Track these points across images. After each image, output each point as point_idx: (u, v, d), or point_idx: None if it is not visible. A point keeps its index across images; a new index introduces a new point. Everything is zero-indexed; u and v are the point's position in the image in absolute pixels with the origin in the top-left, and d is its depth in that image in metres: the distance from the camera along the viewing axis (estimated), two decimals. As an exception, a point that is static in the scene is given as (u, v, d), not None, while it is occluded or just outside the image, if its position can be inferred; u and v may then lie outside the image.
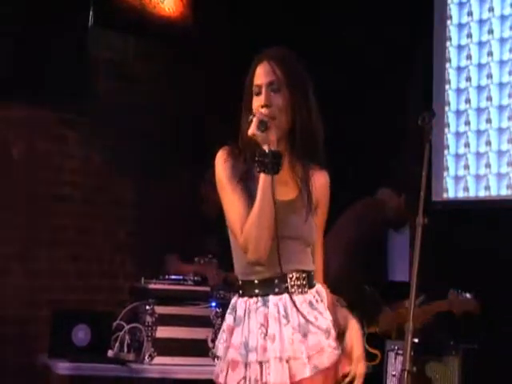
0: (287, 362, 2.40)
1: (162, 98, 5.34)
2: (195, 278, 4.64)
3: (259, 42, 5.49)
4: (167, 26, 5.48)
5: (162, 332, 4.39)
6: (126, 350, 4.40)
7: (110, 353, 4.38)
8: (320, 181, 2.54)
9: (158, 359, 4.34)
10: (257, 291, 2.45)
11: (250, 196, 2.44)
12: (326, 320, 2.47)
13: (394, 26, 5.14)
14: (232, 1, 5.62)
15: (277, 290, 2.45)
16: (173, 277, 4.73)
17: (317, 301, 2.49)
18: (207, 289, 4.50)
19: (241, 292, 2.50)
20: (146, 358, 4.34)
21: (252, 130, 2.37)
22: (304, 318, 2.43)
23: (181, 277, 4.72)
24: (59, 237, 4.94)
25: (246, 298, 2.48)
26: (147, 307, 4.41)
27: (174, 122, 5.33)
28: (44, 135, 5.03)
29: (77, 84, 5.08)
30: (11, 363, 4.58)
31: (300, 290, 2.47)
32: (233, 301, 2.53)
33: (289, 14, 5.51)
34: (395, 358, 4.16)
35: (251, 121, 2.39)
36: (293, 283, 2.45)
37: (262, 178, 2.37)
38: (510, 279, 4.51)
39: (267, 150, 2.35)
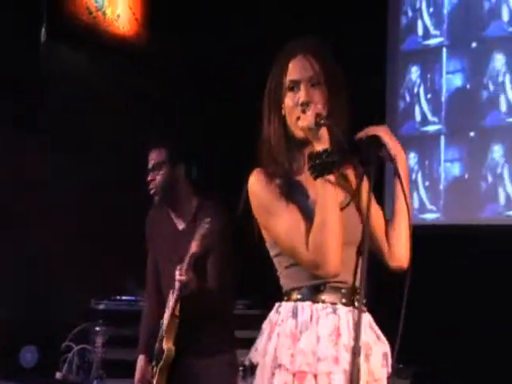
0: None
1: (115, 113, 5.29)
2: (147, 299, 4.60)
3: (216, 60, 5.58)
4: (121, 44, 5.46)
5: (112, 354, 4.35)
6: (74, 371, 4.34)
7: (59, 375, 4.33)
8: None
9: (107, 381, 4.30)
10: (323, 297, 2.19)
11: (301, 211, 2.19)
12: (384, 345, 2.24)
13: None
14: (187, 21, 5.63)
15: (344, 300, 2.20)
16: (124, 298, 4.68)
17: (373, 321, 2.27)
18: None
19: (299, 296, 2.20)
20: (95, 380, 4.29)
21: (308, 122, 2.13)
22: (372, 336, 2.21)
23: (132, 297, 4.67)
24: (6, 255, 4.83)
25: (309, 303, 2.19)
26: (97, 328, 4.37)
27: (127, 137, 5.28)
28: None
29: (29, 98, 5.02)
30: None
31: (363, 308, 2.21)
32: (288, 305, 2.22)
33: (244, 38, 5.56)
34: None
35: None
36: (359, 297, 2.17)
37: (321, 184, 2.14)
38: (463, 303, 4.57)
39: (321, 149, 2.13)
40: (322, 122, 2.13)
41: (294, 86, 2.22)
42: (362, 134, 2.22)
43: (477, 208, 4.82)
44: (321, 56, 2.24)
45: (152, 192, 3.85)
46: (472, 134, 4.90)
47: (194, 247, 3.71)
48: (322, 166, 2.14)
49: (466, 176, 4.92)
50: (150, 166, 3.88)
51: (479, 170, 4.84)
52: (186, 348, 3.78)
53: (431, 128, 5.11)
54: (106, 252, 4.99)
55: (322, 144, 2.14)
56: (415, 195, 5.03)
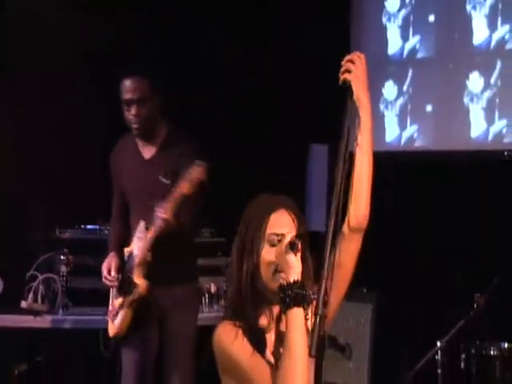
0: None
1: (77, 51, 5.18)
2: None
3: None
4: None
5: (77, 282, 4.36)
6: (40, 300, 4.35)
7: (24, 303, 4.32)
8: None
9: (72, 310, 4.31)
10: None
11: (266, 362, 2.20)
12: None
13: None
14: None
15: None
16: (88, 226, 4.67)
17: None
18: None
19: None
20: (61, 308, 4.31)
21: (284, 250, 2.17)
22: None
23: (97, 226, 4.67)
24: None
25: None
26: (62, 257, 4.37)
27: (90, 73, 5.18)
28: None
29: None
30: None
31: None
32: None
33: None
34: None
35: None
36: None
37: (291, 315, 2.13)
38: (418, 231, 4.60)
39: (292, 280, 2.13)
40: (295, 250, 2.15)
41: (278, 239, 2.21)
42: (341, 77, 2.20)
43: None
44: (298, 213, 2.26)
45: (136, 127, 3.76)
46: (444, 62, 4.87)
47: (183, 188, 3.68)
48: (294, 298, 2.13)
49: (438, 105, 4.89)
50: (130, 97, 3.71)
51: (452, 99, 4.80)
52: (154, 280, 3.82)
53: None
54: (70, 181, 4.96)
55: (294, 274, 2.14)
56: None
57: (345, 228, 2.26)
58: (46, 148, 5.03)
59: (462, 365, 3.83)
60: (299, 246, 2.19)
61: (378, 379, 4.20)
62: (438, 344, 3.81)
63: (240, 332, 2.18)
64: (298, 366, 2.11)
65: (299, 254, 2.19)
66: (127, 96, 3.73)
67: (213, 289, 4.51)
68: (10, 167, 4.90)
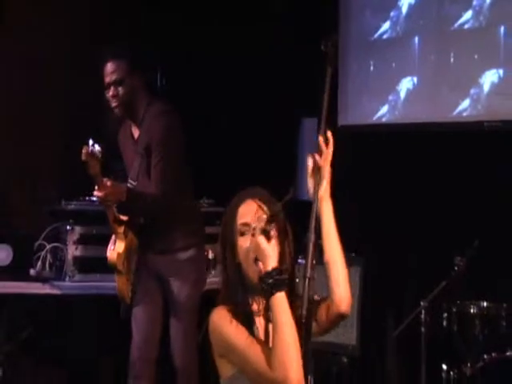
0: None
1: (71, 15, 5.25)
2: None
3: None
4: None
5: (83, 250, 4.54)
6: (47, 268, 4.55)
7: (32, 271, 4.53)
8: None
9: (78, 276, 4.51)
10: None
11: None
12: None
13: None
14: None
15: None
16: (93, 198, 4.84)
17: None
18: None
19: None
20: (67, 275, 4.49)
21: (257, 239, 2.32)
22: None
23: (100, 198, 4.83)
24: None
25: None
26: (68, 227, 4.55)
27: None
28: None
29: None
30: None
31: None
32: None
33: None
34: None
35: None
36: None
37: (274, 300, 2.28)
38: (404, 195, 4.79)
39: (270, 268, 2.28)
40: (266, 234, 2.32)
41: (245, 230, 2.37)
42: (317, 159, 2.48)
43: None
44: (268, 200, 2.42)
45: (114, 106, 3.96)
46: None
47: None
48: (274, 284, 2.27)
49: (417, 81, 4.97)
50: (109, 79, 3.91)
51: (430, 74, 4.88)
52: (148, 247, 4.02)
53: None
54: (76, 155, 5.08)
55: (271, 262, 2.29)
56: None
57: (324, 314, 2.44)
58: (54, 122, 5.16)
59: (444, 323, 4.05)
60: (271, 232, 2.36)
61: (367, 338, 4.38)
62: (422, 304, 4.04)
63: (232, 313, 2.33)
64: (290, 346, 2.24)
65: (274, 240, 2.36)
66: (106, 79, 3.96)
67: (210, 255, 4.69)
68: (18, 140, 5.05)
